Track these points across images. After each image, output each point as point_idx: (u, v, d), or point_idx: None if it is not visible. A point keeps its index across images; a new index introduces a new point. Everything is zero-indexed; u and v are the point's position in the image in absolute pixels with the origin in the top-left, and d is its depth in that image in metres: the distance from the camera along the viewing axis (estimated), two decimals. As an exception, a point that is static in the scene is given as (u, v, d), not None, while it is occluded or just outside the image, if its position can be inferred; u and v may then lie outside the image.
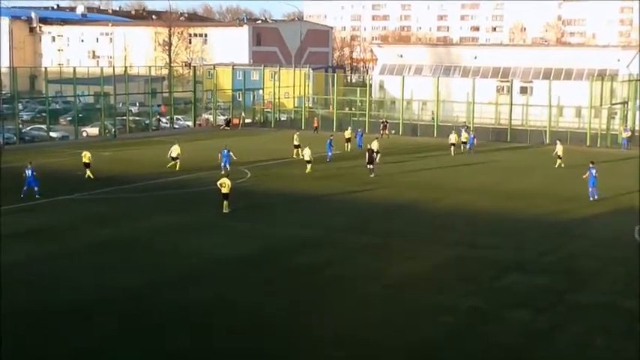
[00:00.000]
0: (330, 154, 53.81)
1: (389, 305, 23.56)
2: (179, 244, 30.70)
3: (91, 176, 45.46)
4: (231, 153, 48.11)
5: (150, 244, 30.77)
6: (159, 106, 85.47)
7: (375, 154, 49.66)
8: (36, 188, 39.65)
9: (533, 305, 23.50)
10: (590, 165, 40.74)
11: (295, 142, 55.75)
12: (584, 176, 40.89)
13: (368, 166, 47.51)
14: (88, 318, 22.15)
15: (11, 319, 21.74)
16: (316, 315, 22.71)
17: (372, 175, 46.75)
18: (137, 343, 20.42)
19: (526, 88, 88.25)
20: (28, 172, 39.92)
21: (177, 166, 48.92)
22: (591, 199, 39.73)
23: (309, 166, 48.62)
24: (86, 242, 30.73)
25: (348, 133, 61.08)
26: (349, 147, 59.37)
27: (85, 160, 46.20)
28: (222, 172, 42.64)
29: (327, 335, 21.03)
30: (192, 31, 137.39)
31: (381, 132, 69.39)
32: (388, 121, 73.12)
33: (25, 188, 39.59)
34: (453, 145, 58.71)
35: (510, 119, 72.27)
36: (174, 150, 49.67)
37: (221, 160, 47.84)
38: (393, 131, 71.33)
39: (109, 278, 25.97)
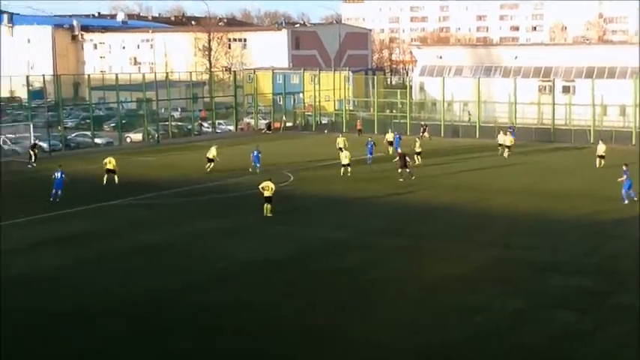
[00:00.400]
0: (370, 156, 53.72)
1: (423, 307, 23.46)
2: (214, 248, 30.98)
3: (116, 181, 45.62)
4: (260, 155, 49.66)
5: (186, 248, 31.05)
6: (200, 111, 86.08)
7: (416, 155, 49.64)
8: (56, 191, 40.31)
9: (571, 306, 23.30)
10: (624, 168, 40.16)
11: (339, 145, 55.53)
12: (619, 179, 40.04)
13: (399, 170, 46.46)
14: (100, 320, 22.47)
15: (53, 321, 22.11)
16: (345, 318, 22.63)
17: (401, 180, 45.82)
18: (143, 345, 20.66)
19: (568, 87, 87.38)
20: (57, 175, 40.67)
21: (210, 168, 49.33)
22: (626, 201, 38.86)
23: (348, 169, 48.28)
24: (125, 247, 31.08)
25: (390, 136, 60.83)
26: (391, 150, 59.19)
27: (110, 166, 45.94)
28: (250, 170, 43.56)
29: (359, 338, 20.98)
30: (231, 35, 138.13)
31: (421, 135, 69.14)
32: (427, 123, 73.08)
33: (53, 192, 40.30)
34: (501, 145, 57.87)
35: (553, 119, 71.60)
36: (211, 152, 50.17)
37: (252, 161, 49.51)
38: (427, 134, 70.91)
39: (137, 282, 26.33)
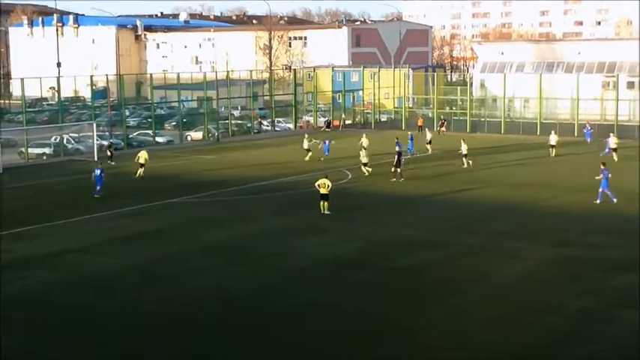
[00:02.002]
0: (411, 149, 54.67)
1: (495, 307, 23.26)
2: (284, 246, 31.01)
3: (142, 175, 47.15)
4: (333, 142, 52.98)
5: (257, 246, 31.12)
6: (251, 110, 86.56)
7: (464, 158, 49.19)
8: (97, 188, 41.25)
9: (643, 306, 22.85)
10: (602, 167, 39.19)
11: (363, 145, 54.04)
12: (597, 177, 39.18)
13: (393, 169, 45.85)
14: (191, 319, 22.67)
15: (107, 320, 22.50)
16: (420, 317, 22.61)
17: (393, 180, 45.20)
18: (234, 343, 20.79)
19: (633, 82, 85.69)
20: (97, 172, 41.68)
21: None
22: (598, 201, 38.18)
23: (367, 168, 47.87)
24: (198, 246, 31.29)
25: (428, 136, 59.80)
26: (430, 148, 58.25)
27: (142, 160, 47.79)
28: (321, 159, 44.11)
29: (433, 338, 20.95)
30: (291, 34, 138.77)
31: (439, 129, 69.55)
32: (446, 119, 74.78)
33: (98, 188, 41.28)
34: (553, 146, 55.96)
35: (617, 115, 70.30)
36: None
37: (323, 150, 53.50)
38: (444, 129, 70.32)
39: (218, 281, 26.50)
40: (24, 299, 24.42)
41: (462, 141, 51.80)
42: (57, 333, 21.52)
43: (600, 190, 38.52)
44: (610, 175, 38.69)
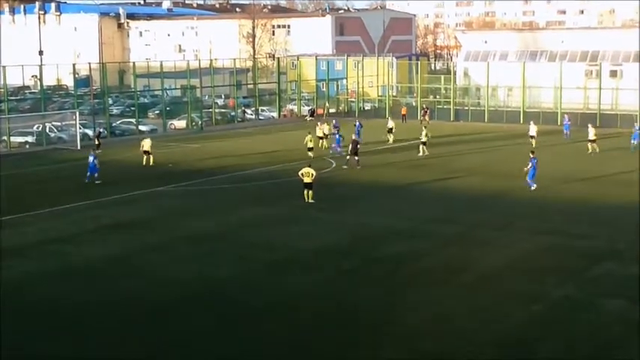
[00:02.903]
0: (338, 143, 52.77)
1: (477, 296, 23.36)
2: (269, 235, 31.02)
3: (152, 163, 48.37)
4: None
5: (242, 235, 31.11)
6: (229, 99, 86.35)
7: (422, 146, 49.34)
8: (96, 174, 42.15)
9: (627, 295, 22.95)
10: (531, 155, 39.73)
11: (389, 126, 58.21)
12: (525, 169, 39.61)
13: (348, 157, 46.37)
14: (174, 308, 22.66)
15: (100, 310, 22.46)
16: (402, 306, 22.69)
17: (345, 167, 45.71)
18: (220, 332, 20.80)
19: (616, 71, 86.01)
20: (91, 159, 42.38)
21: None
22: (533, 188, 38.78)
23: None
24: (181, 234, 31.22)
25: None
26: (391, 138, 57.82)
27: (146, 148, 48.94)
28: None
29: (416, 326, 21.03)
30: (275, 22, 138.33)
31: (422, 118, 69.93)
32: (429, 107, 75.22)
33: (88, 174, 41.93)
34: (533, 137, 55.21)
35: (599, 104, 70.63)
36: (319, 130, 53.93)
37: (354, 133, 53.99)
38: (427, 118, 70.38)
39: (202, 270, 26.47)
40: (3, 290, 24.24)
41: (423, 128, 51.51)
42: (35, 324, 21.43)
43: (528, 179, 39.03)
44: (537, 165, 39.19)
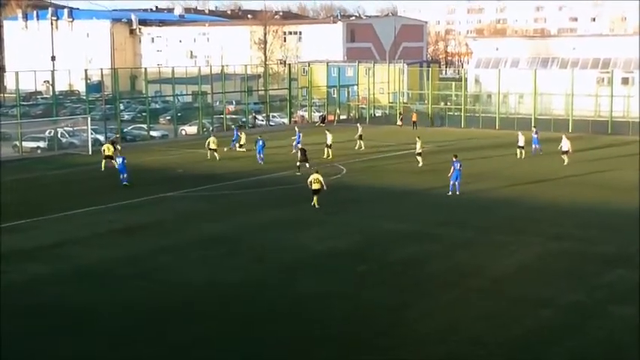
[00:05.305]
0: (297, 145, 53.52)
1: (489, 300, 23.35)
2: (281, 238, 31.08)
3: (218, 158, 52.34)
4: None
5: (255, 239, 31.21)
6: (246, 104, 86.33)
7: (418, 156, 49.01)
8: (125, 175, 42.89)
9: (637, 301, 22.84)
10: (454, 159, 39.89)
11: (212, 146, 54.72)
12: (448, 175, 39.98)
13: (298, 163, 46.56)
14: (189, 311, 22.70)
15: (111, 314, 22.53)
16: (413, 309, 22.69)
17: (298, 173, 45.59)
18: (229, 335, 20.81)
19: (627, 78, 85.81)
20: (119, 161, 43.51)
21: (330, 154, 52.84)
22: (450, 193, 39.23)
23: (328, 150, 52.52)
24: (195, 238, 31.41)
25: (359, 132, 58.87)
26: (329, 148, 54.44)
27: (213, 146, 53.15)
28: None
29: (427, 330, 21.03)
30: (286, 29, 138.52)
31: (400, 123, 73.87)
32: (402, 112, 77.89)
33: (122, 176, 42.86)
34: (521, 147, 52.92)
35: (611, 111, 70.46)
36: (329, 138, 53.56)
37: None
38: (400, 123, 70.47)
39: (217, 273, 26.54)
40: (14, 293, 24.34)
41: (417, 139, 50.41)
42: (44, 326, 21.53)
43: (452, 182, 39.43)
44: (461, 168, 39.48)
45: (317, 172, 37.19)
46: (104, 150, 49.51)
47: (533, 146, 53.81)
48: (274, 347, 20.05)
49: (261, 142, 51.84)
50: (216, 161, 51.85)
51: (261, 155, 51.29)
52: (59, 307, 23.07)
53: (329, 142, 53.49)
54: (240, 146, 57.39)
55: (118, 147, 54.97)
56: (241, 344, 20.20)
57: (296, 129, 60.78)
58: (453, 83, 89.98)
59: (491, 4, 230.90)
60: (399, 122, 75.41)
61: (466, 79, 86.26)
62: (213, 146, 53.48)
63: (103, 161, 48.79)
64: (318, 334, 20.88)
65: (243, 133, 59.56)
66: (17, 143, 59.72)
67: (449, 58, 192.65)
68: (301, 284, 25.15)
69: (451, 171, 39.82)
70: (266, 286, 25.03)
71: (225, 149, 56.34)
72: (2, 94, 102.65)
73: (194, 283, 25.32)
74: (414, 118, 73.66)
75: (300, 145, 51.51)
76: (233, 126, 68.15)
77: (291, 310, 22.74)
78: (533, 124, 63.83)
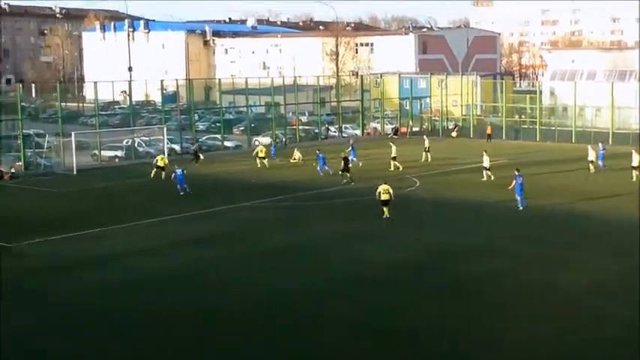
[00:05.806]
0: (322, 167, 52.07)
1: (566, 318, 22.98)
2: (350, 250, 31.33)
3: (162, 177, 49.67)
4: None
5: (324, 250, 31.55)
6: (319, 115, 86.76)
7: (485, 171, 48.40)
8: (184, 186, 43.84)
9: None
10: (516, 173, 39.40)
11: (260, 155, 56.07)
12: (509, 187, 39.68)
13: (340, 172, 47.96)
14: (255, 319, 22.84)
15: (183, 321, 22.81)
16: (489, 325, 22.46)
17: (344, 181, 47.00)
18: (297, 344, 20.88)
19: None
20: (178, 172, 44.20)
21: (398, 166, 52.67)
22: (521, 208, 38.78)
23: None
24: (266, 248, 31.90)
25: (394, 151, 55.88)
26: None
27: (160, 163, 50.60)
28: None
29: (497, 346, 20.83)
30: (358, 40, 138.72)
31: (454, 134, 75.44)
32: (458, 123, 78.39)
33: (179, 186, 43.72)
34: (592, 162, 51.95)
35: (692, 125, 68.71)
36: (393, 151, 53.46)
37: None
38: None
39: (287, 282, 26.81)
40: (77, 302, 25.07)
41: (484, 153, 49.76)
42: (108, 331, 22.17)
43: (518, 197, 39.00)
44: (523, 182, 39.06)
45: (385, 183, 37.33)
46: (157, 160, 50.94)
47: (599, 162, 52.51)
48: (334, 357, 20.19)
49: (321, 156, 51.94)
50: (266, 169, 53.42)
51: (326, 168, 51.12)
52: (116, 316, 23.57)
53: (393, 154, 53.31)
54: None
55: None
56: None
57: (350, 141, 60.72)
58: (528, 96, 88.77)
59: (566, 15, 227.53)
60: (453, 133, 75.34)
61: (541, 92, 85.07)
62: (261, 155, 54.84)
63: (154, 170, 49.86)
64: (380, 345, 20.85)
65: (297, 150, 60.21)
66: (96, 152, 61.05)
67: (523, 70, 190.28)
68: (368, 296, 25.23)
69: (512, 184, 39.58)
70: (330, 298, 25.16)
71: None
72: (82, 104, 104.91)
73: (256, 294, 25.65)
74: (489, 131, 72.94)
75: (355, 159, 52.63)
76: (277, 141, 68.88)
77: (353, 322, 22.73)
78: (600, 140, 61.45)
